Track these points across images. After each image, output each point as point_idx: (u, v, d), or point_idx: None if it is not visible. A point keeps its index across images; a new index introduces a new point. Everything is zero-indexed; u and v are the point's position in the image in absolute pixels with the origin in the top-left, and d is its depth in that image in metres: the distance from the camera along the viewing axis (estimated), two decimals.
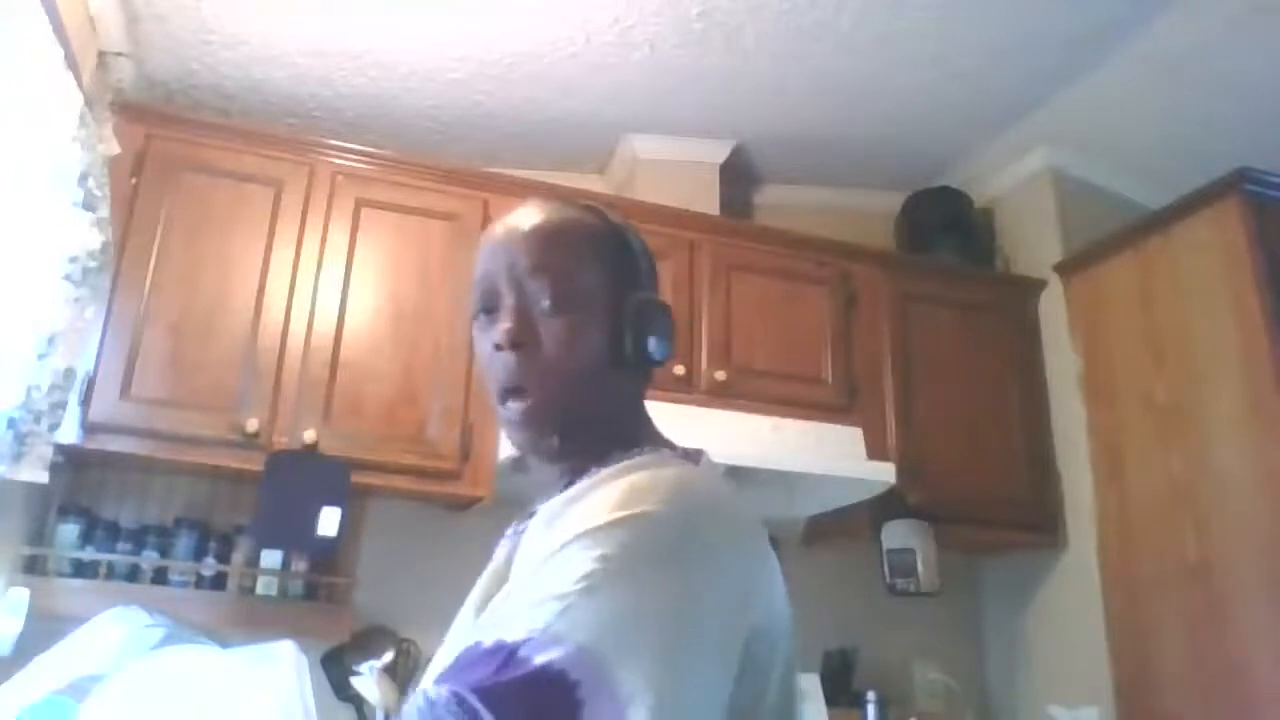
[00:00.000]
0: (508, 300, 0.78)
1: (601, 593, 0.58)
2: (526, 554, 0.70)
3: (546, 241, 0.79)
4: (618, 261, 0.82)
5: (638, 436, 0.80)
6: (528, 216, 0.81)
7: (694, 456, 0.78)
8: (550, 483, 0.80)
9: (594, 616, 0.57)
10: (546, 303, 0.77)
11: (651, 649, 0.57)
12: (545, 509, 0.74)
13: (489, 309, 0.79)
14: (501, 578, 0.74)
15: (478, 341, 0.81)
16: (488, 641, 0.58)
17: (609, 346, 0.78)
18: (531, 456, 0.81)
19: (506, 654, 0.56)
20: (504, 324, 0.77)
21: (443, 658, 0.76)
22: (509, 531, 0.85)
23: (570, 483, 0.76)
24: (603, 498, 0.65)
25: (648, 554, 0.61)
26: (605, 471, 0.72)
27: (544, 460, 0.81)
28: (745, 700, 0.64)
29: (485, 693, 0.54)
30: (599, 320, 0.78)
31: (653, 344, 0.80)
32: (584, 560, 0.59)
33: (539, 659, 0.55)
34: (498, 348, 0.77)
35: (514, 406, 0.77)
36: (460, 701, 0.54)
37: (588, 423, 0.79)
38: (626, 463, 0.72)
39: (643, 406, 0.85)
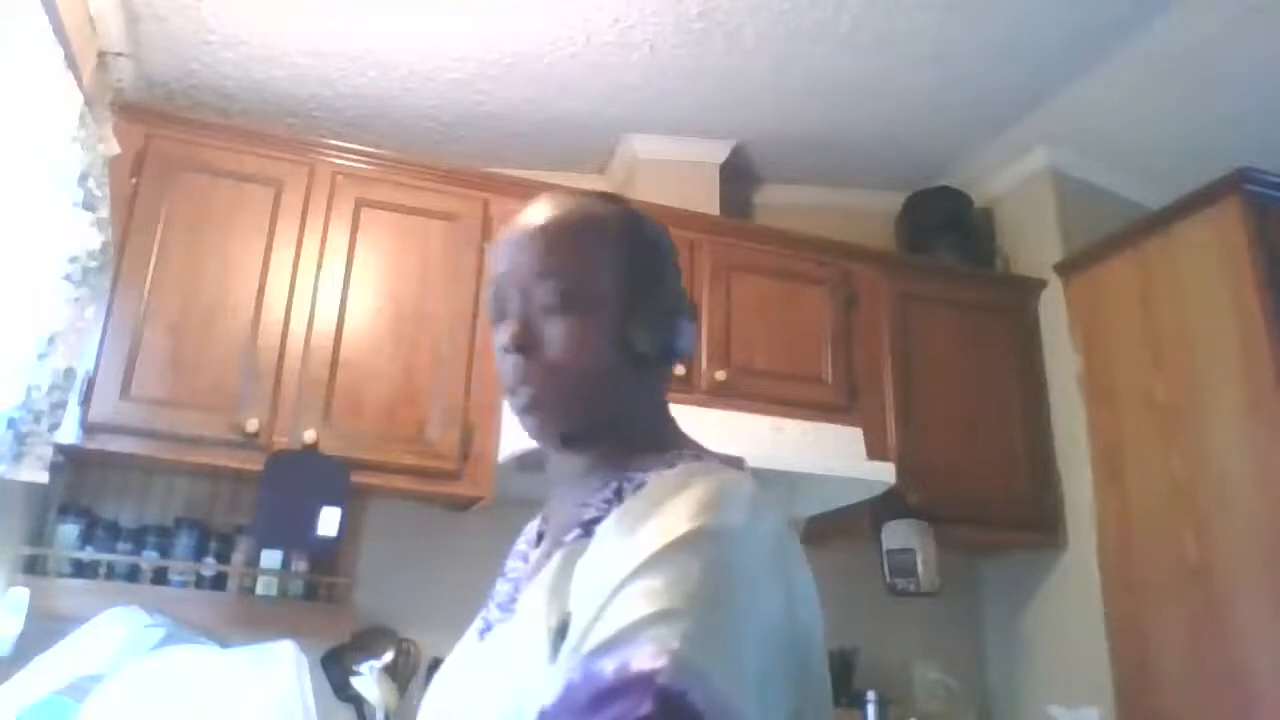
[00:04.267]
0: (514, 304, 0.78)
1: (707, 614, 0.57)
2: (596, 568, 0.65)
3: (551, 242, 0.78)
4: (631, 256, 0.80)
5: (667, 438, 0.78)
6: (535, 216, 0.80)
7: (736, 463, 0.76)
8: (574, 482, 0.79)
9: (707, 641, 0.56)
10: (552, 303, 0.76)
11: (751, 671, 0.58)
12: (616, 518, 0.70)
13: (501, 312, 0.79)
14: (560, 590, 0.68)
15: (495, 343, 0.81)
16: (609, 669, 0.54)
17: (622, 345, 0.77)
18: (548, 449, 0.81)
19: (644, 685, 0.52)
20: (510, 327, 0.77)
21: (484, 672, 0.73)
22: (530, 536, 0.83)
23: (609, 484, 0.75)
24: (670, 515, 0.63)
25: (731, 574, 0.60)
26: (658, 486, 0.69)
27: (560, 453, 0.80)
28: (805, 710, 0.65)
29: None
30: (609, 318, 0.77)
31: (670, 341, 0.78)
32: (678, 581, 0.58)
33: (676, 689, 0.52)
34: (505, 350, 0.77)
35: (522, 391, 0.77)
36: None
37: (604, 422, 0.78)
38: (676, 474, 0.70)
39: (666, 406, 0.84)
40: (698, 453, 0.77)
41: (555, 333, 0.76)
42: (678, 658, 0.53)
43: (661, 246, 0.84)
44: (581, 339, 0.76)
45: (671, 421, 0.83)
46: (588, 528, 0.72)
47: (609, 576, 0.60)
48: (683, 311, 0.80)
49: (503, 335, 0.78)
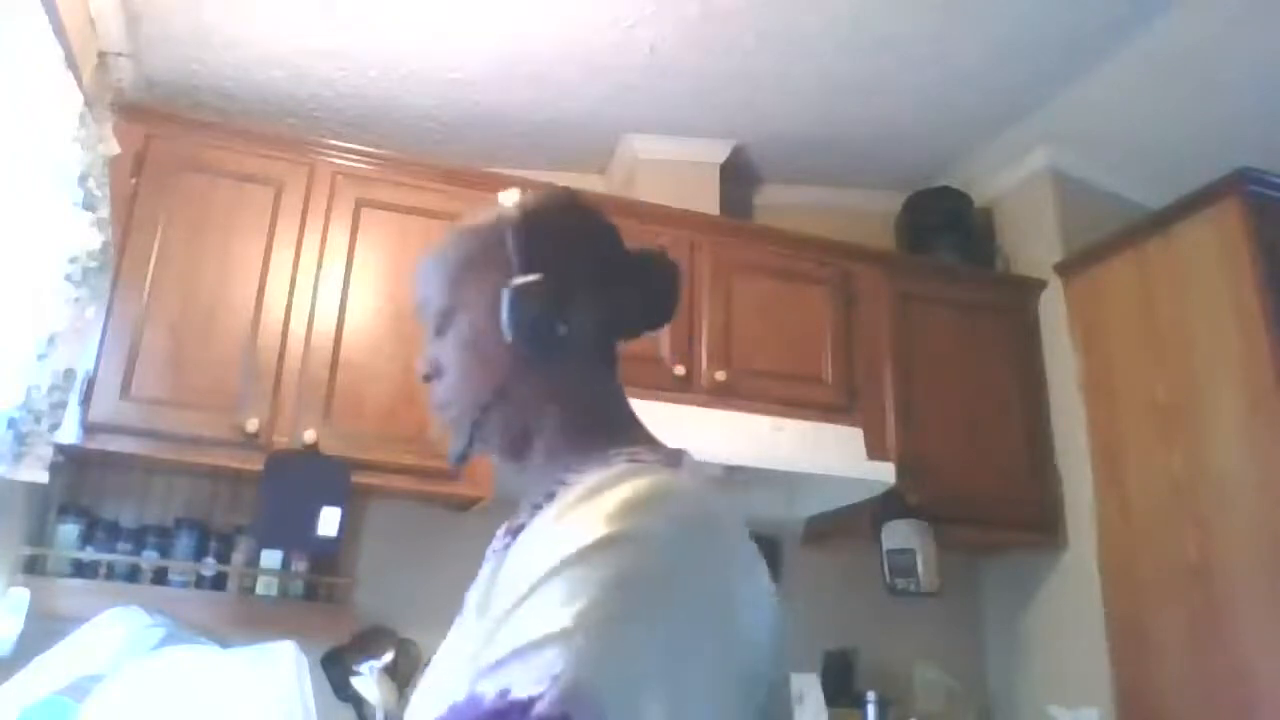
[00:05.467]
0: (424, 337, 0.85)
1: (602, 632, 0.54)
2: (510, 576, 0.64)
3: (421, 278, 0.84)
4: (492, 260, 0.79)
5: (611, 438, 0.76)
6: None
7: (674, 459, 0.74)
8: (531, 487, 0.78)
9: (599, 661, 0.53)
10: (432, 331, 0.82)
11: (659, 690, 0.55)
12: (529, 530, 0.70)
13: None
14: (486, 599, 0.69)
15: None
16: (490, 694, 0.53)
17: (508, 347, 0.76)
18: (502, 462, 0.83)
19: (519, 713, 0.51)
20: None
21: (439, 679, 0.74)
22: (496, 544, 0.82)
23: (549, 493, 0.73)
24: (582, 521, 0.61)
25: (639, 585, 0.57)
26: (581, 486, 0.67)
27: (507, 463, 0.82)
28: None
29: None
30: (484, 325, 0.77)
31: (534, 325, 0.75)
32: (577, 594, 0.55)
33: (555, 715, 0.51)
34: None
35: (436, 417, 0.83)
36: None
37: (519, 427, 0.79)
38: (603, 474, 0.67)
39: (611, 401, 0.82)
40: (640, 451, 0.73)
41: (443, 355, 0.81)
42: (561, 683, 0.51)
43: (534, 240, 0.79)
44: (459, 352, 0.80)
45: (624, 416, 0.81)
46: (516, 534, 0.73)
47: (515, 590, 0.59)
48: (539, 298, 0.75)
49: None
